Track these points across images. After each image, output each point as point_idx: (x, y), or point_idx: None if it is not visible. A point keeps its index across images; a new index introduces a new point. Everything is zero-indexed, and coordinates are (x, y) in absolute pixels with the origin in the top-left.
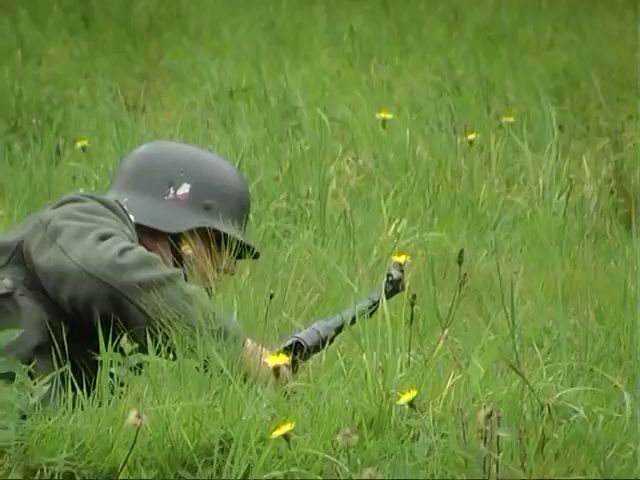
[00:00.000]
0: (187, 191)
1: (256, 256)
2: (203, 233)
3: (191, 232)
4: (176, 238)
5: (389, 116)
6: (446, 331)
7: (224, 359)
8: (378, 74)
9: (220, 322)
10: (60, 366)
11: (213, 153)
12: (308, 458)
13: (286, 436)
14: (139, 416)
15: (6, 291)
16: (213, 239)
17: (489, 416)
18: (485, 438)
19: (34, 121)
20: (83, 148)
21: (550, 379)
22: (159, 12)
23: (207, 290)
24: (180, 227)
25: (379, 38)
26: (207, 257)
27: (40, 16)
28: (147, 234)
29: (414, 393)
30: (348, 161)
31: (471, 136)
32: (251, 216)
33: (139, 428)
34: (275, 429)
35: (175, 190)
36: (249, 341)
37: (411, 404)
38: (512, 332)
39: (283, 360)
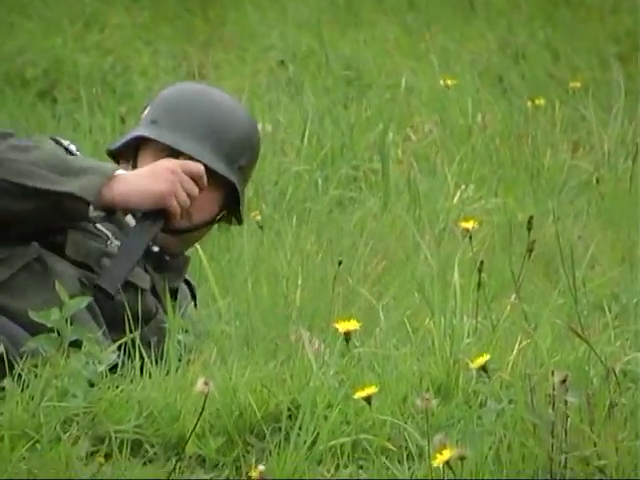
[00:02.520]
0: (145, 112)
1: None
2: (157, 147)
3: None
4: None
5: (453, 82)
6: (513, 296)
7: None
8: (440, 40)
9: (73, 165)
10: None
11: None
12: (376, 424)
13: (368, 399)
14: (207, 383)
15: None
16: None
17: (563, 381)
18: (553, 403)
19: (95, 89)
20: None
21: (617, 344)
22: None
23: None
24: (117, 143)
25: (441, 5)
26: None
27: None
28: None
29: (486, 357)
30: (412, 127)
31: (536, 101)
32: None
33: (207, 395)
34: (357, 391)
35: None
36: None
37: (483, 368)
38: (575, 297)
39: (354, 326)
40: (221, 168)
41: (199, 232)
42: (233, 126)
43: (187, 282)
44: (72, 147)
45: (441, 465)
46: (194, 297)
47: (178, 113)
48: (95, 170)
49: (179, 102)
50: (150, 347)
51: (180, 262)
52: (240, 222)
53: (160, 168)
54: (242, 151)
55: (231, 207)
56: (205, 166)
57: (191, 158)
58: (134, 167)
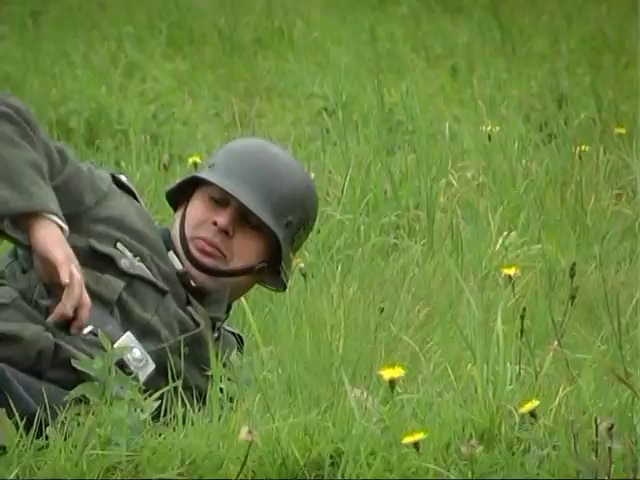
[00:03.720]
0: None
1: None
2: (202, 191)
3: (188, 192)
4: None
5: (496, 128)
6: (556, 343)
7: None
8: (482, 87)
9: (27, 183)
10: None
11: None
12: (419, 471)
13: (416, 445)
14: (250, 432)
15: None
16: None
17: (610, 429)
18: (596, 450)
19: (142, 137)
20: (195, 164)
21: None
22: (264, 26)
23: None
24: (173, 185)
25: (483, 50)
26: (199, 211)
27: (144, 33)
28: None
29: (535, 403)
30: (454, 174)
31: (580, 147)
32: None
33: (251, 444)
34: (404, 437)
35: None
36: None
37: (532, 414)
38: (620, 343)
39: (398, 373)
40: (266, 218)
41: (238, 280)
42: (286, 181)
43: (234, 334)
44: (122, 178)
45: None
46: (240, 349)
47: (235, 160)
48: (32, 195)
49: (238, 151)
50: (192, 392)
51: (219, 296)
52: (281, 286)
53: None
54: (292, 207)
55: (274, 264)
56: (251, 213)
57: (239, 203)
58: (185, 209)
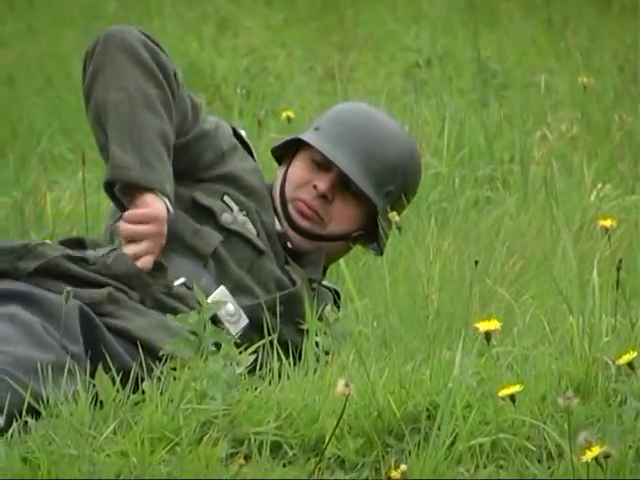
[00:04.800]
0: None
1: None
2: (305, 152)
3: (292, 150)
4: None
5: (590, 79)
6: None
7: None
8: (576, 38)
9: (146, 152)
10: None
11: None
12: (515, 424)
13: (512, 397)
14: (347, 385)
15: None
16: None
17: None
18: None
19: (238, 91)
20: (288, 118)
21: None
22: None
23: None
24: (278, 142)
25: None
26: (301, 173)
27: None
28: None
29: (633, 354)
30: (549, 125)
31: None
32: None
33: (347, 397)
34: (500, 390)
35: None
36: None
37: (630, 365)
38: None
39: (494, 326)
40: (366, 187)
41: (335, 245)
42: (388, 149)
43: (330, 289)
44: (242, 133)
45: (584, 464)
46: (336, 304)
47: (339, 125)
48: (153, 170)
49: (344, 116)
50: (287, 347)
51: (316, 257)
52: (379, 252)
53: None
54: (393, 176)
55: (371, 230)
56: (351, 181)
57: (340, 170)
58: (288, 168)
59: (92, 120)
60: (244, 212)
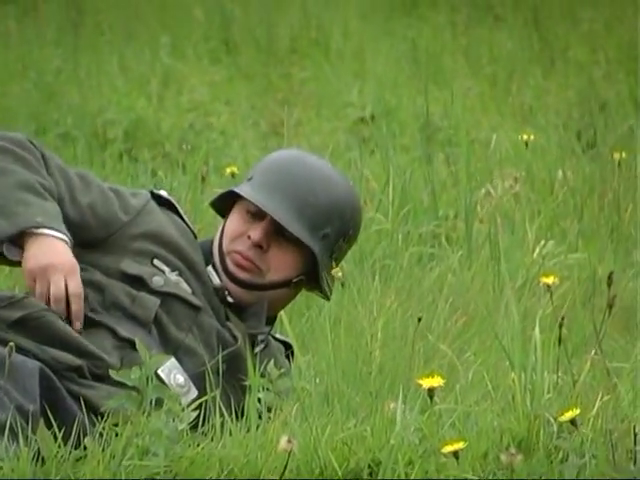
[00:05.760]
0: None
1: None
2: (240, 204)
3: (230, 203)
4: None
5: (532, 137)
6: (594, 352)
7: None
8: (521, 95)
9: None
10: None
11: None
12: None
13: (455, 454)
14: (290, 441)
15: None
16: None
17: None
18: (635, 459)
19: (184, 146)
20: (232, 174)
21: None
22: (301, 35)
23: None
24: (214, 196)
25: (522, 59)
26: (236, 225)
27: (180, 43)
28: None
29: (576, 412)
30: (492, 182)
31: (617, 155)
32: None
33: (290, 453)
34: (443, 446)
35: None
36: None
37: (572, 422)
38: None
39: (438, 382)
40: (299, 232)
41: (277, 292)
42: (321, 193)
43: (284, 342)
44: (162, 193)
45: None
46: (290, 356)
47: (271, 173)
48: (18, 215)
49: (275, 163)
50: (230, 403)
51: (258, 309)
52: (323, 293)
53: (52, 262)
54: (328, 220)
55: (313, 275)
56: (283, 227)
57: (272, 219)
58: (225, 222)
59: None
60: (176, 272)
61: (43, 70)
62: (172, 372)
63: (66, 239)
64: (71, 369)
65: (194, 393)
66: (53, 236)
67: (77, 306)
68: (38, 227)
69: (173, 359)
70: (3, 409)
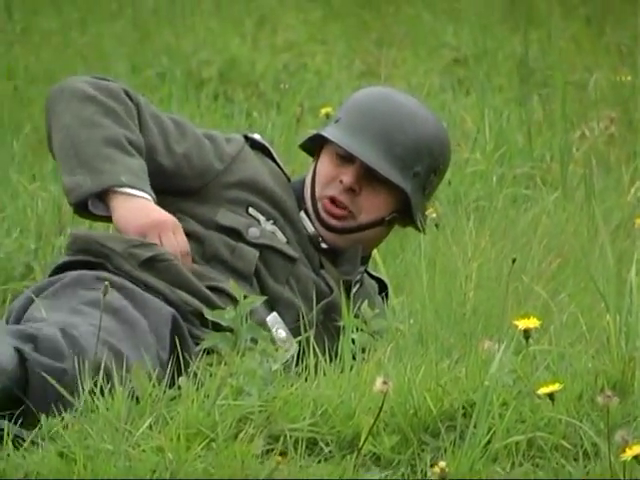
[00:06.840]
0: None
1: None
2: (329, 147)
3: (318, 146)
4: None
5: (629, 77)
6: None
7: None
8: (615, 36)
9: (95, 160)
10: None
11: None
12: (551, 422)
13: (551, 395)
14: (385, 382)
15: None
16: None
17: None
18: None
19: (282, 86)
20: (327, 115)
21: None
22: None
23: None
24: (303, 138)
25: None
26: (327, 169)
27: None
28: None
29: None
30: (588, 123)
31: None
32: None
33: (385, 394)
34: (539, 387)
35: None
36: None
37: None
38: None
39: (534, 324)
40: (390, 173)
41: (371, 232)
42: (409, 130)
43: (379, 279)
44: (256, 137)
45: (621, 463)
46: (381, 292)
47: (357, 114)
48: (103, 173)
49: (362, 103)
50: (324, 346)
51: (352, 254)
52: (418, 229)
53: (156, 219)
54: (418, 157)
55: (405, 212)
56: (375, 170)
57: (362, 162)
58: (315, 165)
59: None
60: (271, 221)
61: (139, 10)
62: (274, 326)
63: (150, 198)
64: (195, 313)
65: (295, 348)
66: (137, 195)
67: (187, 262)
68: (122, 186)
69: (275, 314)
70: (149, 354)
